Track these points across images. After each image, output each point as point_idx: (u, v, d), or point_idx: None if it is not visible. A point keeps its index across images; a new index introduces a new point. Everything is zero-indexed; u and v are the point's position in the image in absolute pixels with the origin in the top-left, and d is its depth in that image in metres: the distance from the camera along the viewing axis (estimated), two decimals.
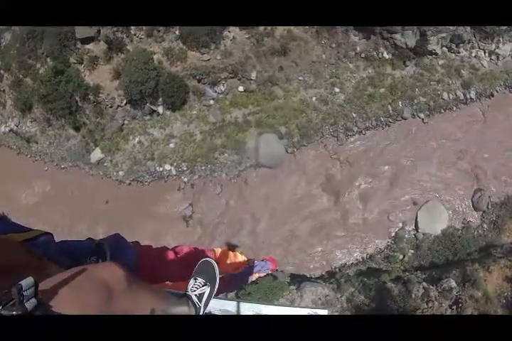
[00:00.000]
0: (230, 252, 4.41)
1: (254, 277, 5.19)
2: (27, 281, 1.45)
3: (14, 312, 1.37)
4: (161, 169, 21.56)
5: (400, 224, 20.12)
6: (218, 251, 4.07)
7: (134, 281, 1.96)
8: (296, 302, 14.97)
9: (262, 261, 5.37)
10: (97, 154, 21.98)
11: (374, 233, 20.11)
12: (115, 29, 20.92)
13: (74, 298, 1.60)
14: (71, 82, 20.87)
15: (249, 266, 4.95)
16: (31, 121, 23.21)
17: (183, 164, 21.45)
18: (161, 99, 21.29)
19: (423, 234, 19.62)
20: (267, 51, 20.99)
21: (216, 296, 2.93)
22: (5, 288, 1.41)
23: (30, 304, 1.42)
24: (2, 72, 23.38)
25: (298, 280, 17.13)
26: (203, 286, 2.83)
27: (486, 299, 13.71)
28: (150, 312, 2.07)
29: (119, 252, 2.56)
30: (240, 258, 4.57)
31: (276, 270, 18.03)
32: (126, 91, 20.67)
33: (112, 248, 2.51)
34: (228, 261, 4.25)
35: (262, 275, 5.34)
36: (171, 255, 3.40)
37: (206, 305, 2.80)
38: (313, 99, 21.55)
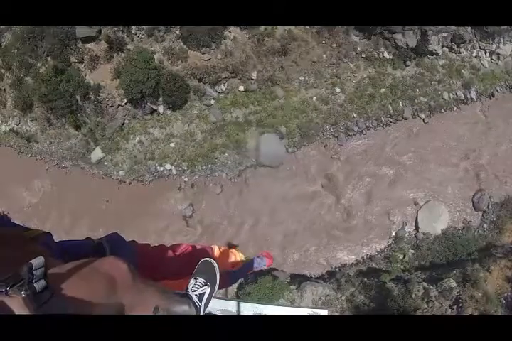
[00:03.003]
0: (228, 250, 4.41)
1: (250, 271, 5.20)
2: (37, 261, 1.43)
3: (23, 293, 1.34)
4: (162, 168, 21.56)
5: (401, 224, 20.14)
6: (216, 248, 4.07)
7: (138, 277, 1.97)
8: (296, 302, 15.00)
9: (258, 257, 5.37)
10: (97, 153, 21.98)
11: (374, 233, 20.12)
12: (116, 28, 20.92)
13: (81, 284, 1.59)
14: (72, 81, 20.86)
15: (247, 264, 4.96)
16: (32, 121, 23.20)
17: (183, 163, 21.45)
18: (161, 99, 21.29)
19: (423, 233, 19.64)
20: (267, 51, 21.00)
21: (215, 294, 2.94)
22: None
23: (39, 285, 1.39)
24: (3, 71, 23.36)
25: (298, 280, 17.17)
26: (203, 286, 2.83)
27: (486, 299, 13.73)
28: (154, 309, 2.07)
29: (118, 251, 2.56)
30: (238, 256, 4.58)
31: (276, 269, 18.05)
32: (126, 91, 20.67)
33: (111, 247, 2.51)
34: (226, 259, 4.25)
35: (257, 270, 5.36)
36: (169, 253, 3.41)
37: (206, 305, 2.80)
38: (314, 98, 21.55)
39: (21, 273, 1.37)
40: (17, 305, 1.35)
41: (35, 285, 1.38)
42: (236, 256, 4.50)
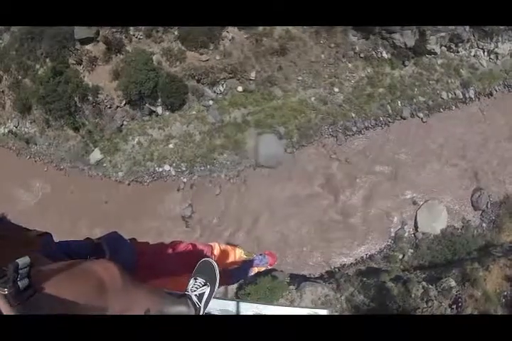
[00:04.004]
0: (229, 247, 4.40)
1: (253, 271, 5.18)
2: (23, 260, 1.45)
3: (6, 290, 1.36)
4: (161, 169, 21.56)
5: (400, 224, 20.13)
6: (216, 245, 4.06)
7: (129, 280, 1.96)
8: (295, 302, 14.98)
9: (261, 255, 5.36)
10: (96, 155, 21.98)
11: (373, 232, 20.12)
12: (114, 30, 20.91)
13: (65, 284, 1.60)
14: (70, 83, 20.86)
15: (248, 261, 4.95)
16: (30, 122, 23.20)
17: (182, 164, 21.45)
18: (160, 100, 21.28)
19: (422, 233, 19.64)
20: (265, 51, 21.00)
21: (215, 294, 2.94)
22: None
23: (22, 283, 1.41)
24: (1, 73, 23.36)
25: (297, 280, 17.15)
26: (203, 286, 2.83)
27: (485, 298, 13.73)
28: (145, 312, 2.07)
29: (118, 250, 2.56)
30: (239, 253, 4.58)
31: (276, 270, 18.04)
32: (125, 92, 20.67)
33: (110, 246, 2.51)
34: (227, 256, 4.25)
35: (261, 269, 5.34)
36: (168, 250, 3.41)
37: (206, 305, 2.80)
38: (313, 99, 21.55)
39: (6, 271, 1.39)
40: None
41: (19, 283, 1.40)
42: (237, 253, 4.50)
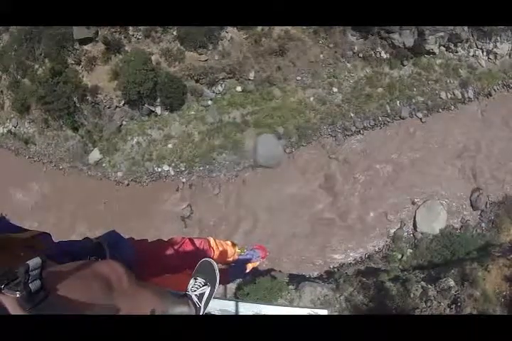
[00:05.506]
0: (224, 244, 4.44)
1: (248, 268, 5.22)
2: (34, 261, 1.44)
3: (18, 293, 1.35)
4: (160, 170, 21.56)
5: (399, 224, 20.14)
6: (211, 239, 4.10)
7: (134, 281, 1.97)
8: (295, 302, 14.97)
9: (252, 250, 5.40)
10: (95, 155, 21.96)
11: (372, 232, 20.12)
12: (113, 30, 20.90)
13: (77, 285, 1.60)
14: (69, 83, 20.85)
15: (242, 257, 4.99)
16: (29, 122, 23.17)
17: (181, 164, 21.45)
18: (159, 100, 21.28)
19: (421, 233, 19.64)
20: (264, 51, 21.00)
21: (215, 294, 2.95)
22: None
23: (34, 285, 1.40)
24: (0, 73, 23.34)
25: (297, 280, 17.13)
26: (203, 286, 2.84)
27: (484, 298, 13.73)
28: (150, 312, 2.08)
29: (117, 249, 2.56)
30: (234, 248, 4.62)
31: (275, 270, 18.03)
32: (124, 92, 20.66)
33: (110, 245, 2.51)
34: (225, 254, 4.28)
35: (255, 264, 5.38)
36: (167, 247, 3.42)
37: (206, 305, 2.80)
38: (311, 99, 21.56)
39: (17, 273, 1.38)
40: (11, 303, 1.35)
41: (30, 285, 1.39)
42: (231, 248, 4.53)
